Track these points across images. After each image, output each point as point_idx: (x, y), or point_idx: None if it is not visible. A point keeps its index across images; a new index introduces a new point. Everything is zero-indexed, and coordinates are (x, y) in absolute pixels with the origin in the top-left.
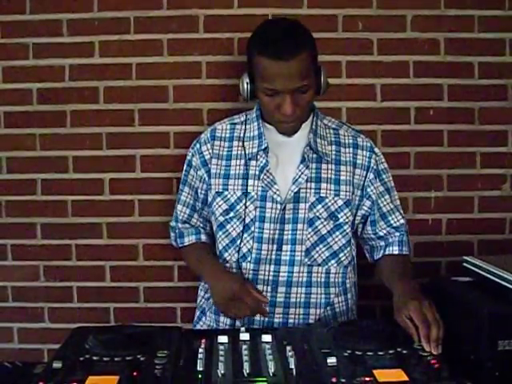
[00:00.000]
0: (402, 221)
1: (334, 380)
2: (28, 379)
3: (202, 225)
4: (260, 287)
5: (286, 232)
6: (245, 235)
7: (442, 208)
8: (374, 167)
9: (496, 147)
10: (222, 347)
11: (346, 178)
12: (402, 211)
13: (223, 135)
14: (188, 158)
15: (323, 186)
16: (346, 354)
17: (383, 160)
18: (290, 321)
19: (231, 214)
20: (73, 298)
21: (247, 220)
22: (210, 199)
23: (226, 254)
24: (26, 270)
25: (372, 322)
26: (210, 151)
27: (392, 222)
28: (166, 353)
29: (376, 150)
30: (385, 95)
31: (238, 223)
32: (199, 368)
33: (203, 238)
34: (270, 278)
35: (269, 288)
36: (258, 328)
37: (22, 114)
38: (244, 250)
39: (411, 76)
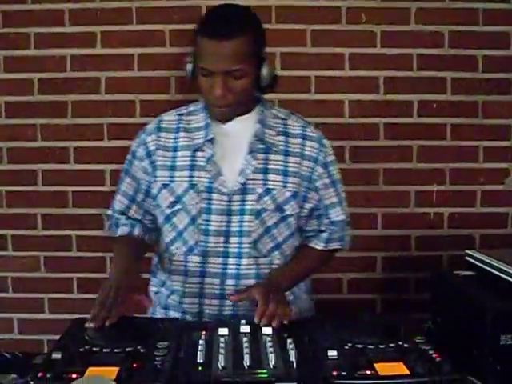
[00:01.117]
0: (343, 216)
1: (334, 373)
2: (28, 370)
3: (139, 217)
4: (208, 280)
5: (233, 224)
6: (191, 228)
7: (444, 202)
8: (322, 159)
9: (499, 141)
10: (222, 339)
11: (293, 169)
12: (344, 205)
13: (169, 126)
14: (132, 148)
15: (271, 177)
16: (346, 347)
17: (331, 152)
18: (240, 313)
19: (178, 207)
20: (73, 288)
21: (193, 212)
22: (155, 192)
23: (172, 247)
24: (26, 260)
25: (373, 316)
26: (156, 142)
27: (332, 216)
28: (166, 344)
29: (324, 141)
30: (388, 88)
31: (184, 215)
32: (199, 360)
33: (136, 232)
34: (219, 270)
35: (217, 281)
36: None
37: (23, 104)
38: (191, 242)
39: (415, 69)
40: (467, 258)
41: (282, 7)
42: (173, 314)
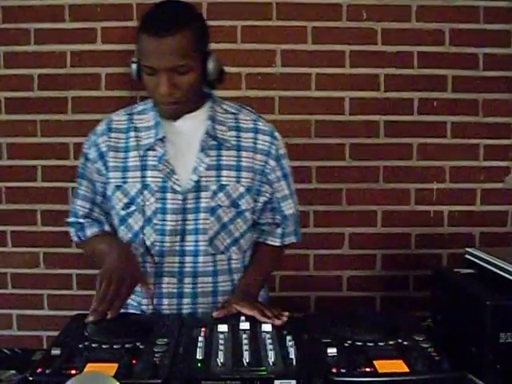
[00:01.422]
0: (294, 210)
1: (334, 370)
2: (27, 366)
3: (104, 218)
4: (166, 279)
5: (188, 222)
6: (147, 228)
7: (444, 200)
8: (274, 153)
9: (499, 139)
10: (221, 336)
11: (246, 164)
12: (295, 199)
13: (120, 126)
14: (84, 150)
15: (224, 173)
16: (346, 345)
17: (282, 145)
18: (199, 310)
19: (132, 208)
20: (72, 285)
21: (148, 212)
22: (109, 193)
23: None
24: (25, 256)
25: (372, 313)
26: (107, 143)
27: (284, 208)
28: (166, 341)
29: (276, 134)
30: (388, 86)
31: (139, 216)
32: (198, 356)
33: (106, 228)
34: (176, 269)
35: (175, 279)
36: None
37: (23, 100)
38: (148, 243)
39: (415, 67)
40: (467, 256)
41: (283, 4)
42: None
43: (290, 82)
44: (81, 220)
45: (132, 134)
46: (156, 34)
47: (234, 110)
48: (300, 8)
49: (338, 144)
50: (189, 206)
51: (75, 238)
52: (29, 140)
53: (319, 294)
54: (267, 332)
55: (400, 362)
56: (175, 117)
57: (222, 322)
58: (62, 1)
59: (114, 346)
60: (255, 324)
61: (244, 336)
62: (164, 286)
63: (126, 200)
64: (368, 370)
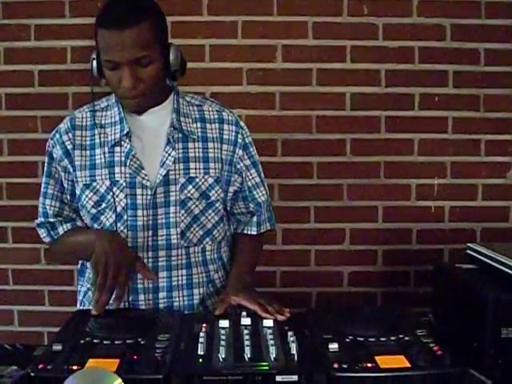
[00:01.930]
0: (265, 197)
1: (335, 365)
2: (28, 361)
3: (74, 215)
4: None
5: (159, 217)
6: (118, 225)
7: (445, 195)
8: (241, 142)
9: (501, 135)
10: (223, 331)
11: (214, 154)
12: (266, 186)
13: (84, 123)
14: (48, 149)
15: (192, 165)
16: (347, 340)
17: (248, 134)
18: (175, 304)
19: (103, 205)
20: (73, 280)
21: (119, 209)
22: (77, 192)
23: None
24: (26, 252)
25: (374, 308)
26: (72, 141)
27: (257, 196)
28: (167, 336)
29: (241, 123)
30: (389, 81)
31: (110, 213)
32: (200, 352)
33: (79, 223)
34: (150, 264)
35: None
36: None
37: (24, 95)
38: None
39: (416, 62)
40: (468, 252)
41: None
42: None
43: (291, 78)
44: (51, 219)
45: (96, 131)
46: (115, 27)
47: (197, 102)
48: (301, 3)
49: (338, 139)
50: (158, 200)
51: (47, 239)
52: (29, 136)
53: (320, 289)
54: (269, 327)
55: (401, 357)
56: (140, 110)
57: (224, 318)
58: None
59: (116, 342)
60: (256, 319)
61: (245, 331)
62: (139, 281)
63: (95, 198)
64: (369, 365)
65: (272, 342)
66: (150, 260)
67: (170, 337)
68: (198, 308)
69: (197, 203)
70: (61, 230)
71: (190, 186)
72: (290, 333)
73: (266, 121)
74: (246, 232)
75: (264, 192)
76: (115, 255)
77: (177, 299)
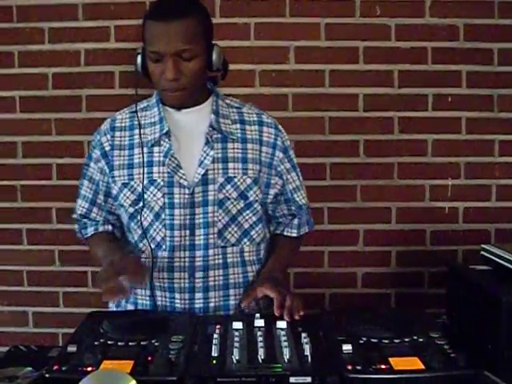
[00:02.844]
0: (305, 200)
1: (349, 367)
2: (43, 363)
3: (102, 218)
4: (177, 274)
5: (197, 216)
6: (156, 224)
7: (459, 196)
8: (281, 145)
9: None
10: (236, 333)
11: (252, 156)
12: (304, 189)
13: (123, 124)
14: (90, 151)
15: (231, 165)
16: (361, 342)
17: (287, 137)
18: (211, 304)
19: (140, 204)
20: (88, 282)
21: (156, 208)
22: (115, 192)
23: (141, 245)
24: (41, 254)
25: (387, 310)
26: (110, 142)
27: (298, 199)
28: (181, 338)
29: (280, 127)
30: (402, 82)
31: (148, 212)
32: (214, 354)
33: (100, 228)
34: (186, 264)
35: (186, 274)
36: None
37: (38, 98)
38: (158, 238)
39: (429, 62)
40: (483, 253)
41: (296, 1)
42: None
43: (304, 79)
44: (79, 218)
45: (136, 131)
46: (162, 19)
47: (237, 105)
48: (313, 4)
49: (352, 140)
50: (196, 199)
51: (79, 235)
52: (43, 138)
53: (334, 290)
54: (282, 329)
55: (415, 359)
56: (179, 105)
57: (237, 319)
58: (76, 0)
59: (130, 344)
60: (270, 321)
61: (259, 333)
62: (175, 280)
63: (133, 197)
64: (383, 367)
65: (285, 343)
66: (187, 259)
67: (183, 338)
68: (235, 310)
69: (235, 203)
70: (89, 231)
71: (229, 186)
72: (303, 334)
73: (278, 122)
74: (286, 234)
75: (304, 195)
76: (119, 263)
77: (212, 300)
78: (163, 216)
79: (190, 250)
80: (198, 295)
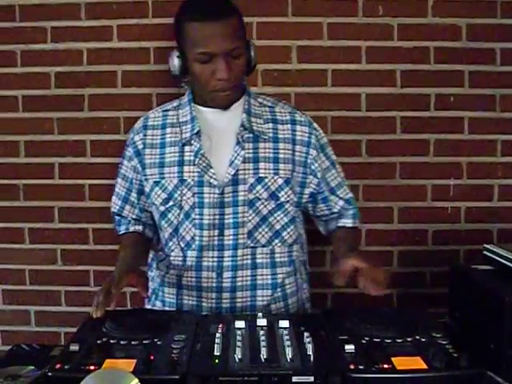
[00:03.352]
0: (351, 194)
1: (351, 367)
2: (45, 361)
3: (134, 216)
4: (205, 274)
5: (226, 216)
6: (186, 223)
7: (462, 196)
8: (315, 143)
9: None
10: (239, 332)
11: (284, 155)
12: (347, 184)
13: (156, 123)
14: (125, 149)
15: (262, 165)
16: (363, 341)
17: (323, 134)
18: (238, 304)
19: (171, 203)
20: (90, 281)
21: (186, 207)
22: (147, 190)
23: (170, 243)
24: (43, 253)
25: (390, 310)
26: (143, 141)
27: (342, 195)
28: (183, 337)
29: (314, 124)
30: (405, 81)
31: (178, 211)
32: (216, 353)
33: (131, 228)
34: (215, 263)
35: (214, 274)
36: (275, 314)
37: (40, 97)
38: (187, 238)
39: (432, 62)
40: (485, 253)
41: (298, 0)
42: (169, 308)
43: (306, 79)
44: (114, 216)
45: (168, 130)
46: (209, 19)
47: (270, 104)
48: (315, 4)
49: (354, 140)
50: (226, 199)
51: (116, 230)
52: (46, 138)
53: (336, 290)
54: (284, 328)
55: (418, 358)
56: (229, 104)
57: (240, 319)
58: None
59: (132, 342)
60: (272, 320)
61: (261, 332)
62: (203, 280)
63: (164, 195)
64: (386, 366)
65: (288, 342)
66: (216, 259)
67: (186, 337)
68: (262, 311)
69: (265, 203)
70: (122, 229)
71: (259, 186)
72: (305, 334)
73: None
74: (341, 225)
75: (348, 191)
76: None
77: (240, 300)
78: (193, 215)
79: (218, 249)
80: (226, 295)
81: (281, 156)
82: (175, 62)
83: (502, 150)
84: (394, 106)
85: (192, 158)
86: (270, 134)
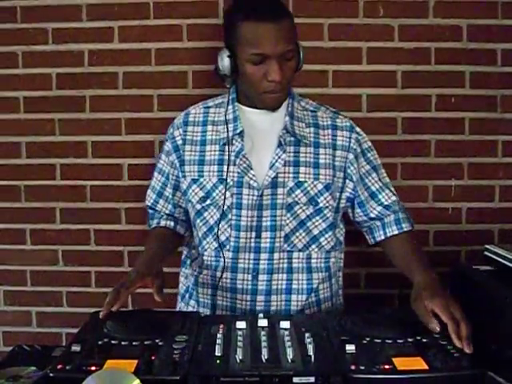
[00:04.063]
0: (394, 198)
1: (353, 367)
2: (47, 362)
3: (167, 211)
4: (240, 276)
5: (264, 218)
6: (222, 223)
7: (463, 197)
8: (355, 147)
9: None
10: (240, 333)
11: (325, 161)
12: (392, 188)
13: (197, 119)
14: (163, 144)
15: (302, 170)
16: (364, 342)
17: (366, 138)
18: (273, 308)
19: (208, 202)
20: (91, 282)
21: (224, 207)
22: (184, 187)
23: (204, 242)
24: (44, 254)
25: (391, 310)
26: (183, 136)
27: (383, 200)
28: (185, 338)
29: (357, 129)
30: (406, 82)
31: (215, 210)
32: (217, 353)
33: (162, 223)
34: (250, 266)
35: (249, 276)
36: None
37: (42, 99)
38: (222, 238)
39: (433, 63)
40: (486, 253)
41: (299, 1)
42: (203, 308)
43: (307, 79)
44: (148, 210)
45: (209, 127)
46: (265, 20)
47: (312, 108)
48: (316, 5)
49: None
50: (265, 202)
51: (148, 223)
52: (47, 139)
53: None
54: (286, 329)
55: (419, 359)
56: (278, 106)
57: (241, 319)
58: (80, 0)
59: (134, 343)
60: (273, 321)
61: (262, 333)
62: (238, 281)
63: (201, 194)
64: (387, 367)
65: (289, 343)
66: (251, 261)
67: (187, 338)
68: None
69: (304, 208)
70: (153, 223)
71: (298, 191)
72: (307, 334)
73: None
74: (389, 235)
75: (391, 194)
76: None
77: (274, 303)
78: (230, 216)
79: (255, 252)
80: (260, 298)
81: (321, 161)
82: (225, 61)
83: (503, 151)
84: (395, 107)
85: (232, 157)
86: (311, 139)
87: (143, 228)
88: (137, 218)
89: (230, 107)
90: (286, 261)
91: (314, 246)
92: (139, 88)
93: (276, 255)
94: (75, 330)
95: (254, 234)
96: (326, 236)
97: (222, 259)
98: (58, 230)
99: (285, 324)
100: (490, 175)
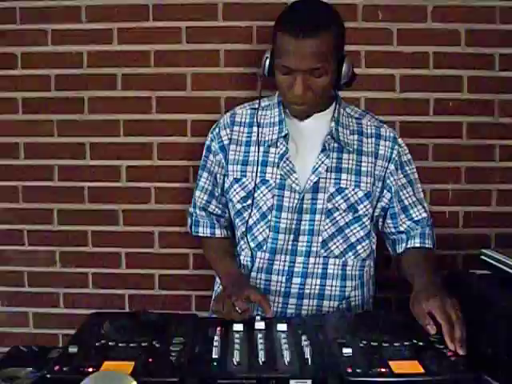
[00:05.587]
0: (425, 214)
1: (349, 370)
2: (43, 363)
3: (220, 211)
4: (274, 277)
5: (303, 222)
6: (261, 223)
7: (460, 201)
8: (396, 158)
9: None
10: (237, 335)
11: (367, 169)
12: (425, 204)
13: (243, 120)
14: (207, 142)
15: (343, 176)
16: (361, 345)
17: (407, 151)
18: (304, 312)
19: (248, 202)
20: (88, 283)
21: (264, 208)
22: (226, 185)
23: (242, 242)
24: (41, 255)
25: (388, 313)
26: (229, 136)
27: (414, 215)
28: (182, 340)
29: (399, 140)
30: (404, 86)
31: (255, 211)
32: (214, 356)
33: (217, 232)
34: (285, 268)
35: (283, 278)
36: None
37: (40, 100)
38: (260, 238)
39: (431, 67)
40: (483, 257)
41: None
42: None
43: None
44: (197, 211)
45: (255, 128)
46: (297, 36)
47: (357, 115)
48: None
49: None
50: (305, 205)
51: (189, 229)
52: (45, 140)
53: None
54: (282, 331)
55: (415, 362)
56: (304, 117)
57: (238, 322)
58: (79, 2)
59: (131, 345)
60: (270, 323)
61: (259, 335)
62: (272, 283)
63: (243, 193)
64: (383, 370)
65: (286, 346)
66: (287, 264)
67: (184, 340)
68: None
69: (343, 215)
70: (200, 231)
71: (339, 197)
72: (303, 337)
73: None
74: (409, 246)
75: (422, 211)
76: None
77: (306, 307)
78: (269, 217)
79: (291, 254)
80: (292, 301)
81: (363, 169)
82: (266, 62)
83: (500, 155)
84: (393, 111)
85: (276, 160)
86: (355, 146)
87: (141, 230)
88: (134, 219)
89: (276, 110)
90: (321, 266)
91: (350, 254)
92: (138, 90)
93: (312, 260)
94: (72, 332)
95: (291, 237)
96: (363, 244)
97: (258, 260)
98: (56, 231)
99: (282, 327)
100: (487, 179)
